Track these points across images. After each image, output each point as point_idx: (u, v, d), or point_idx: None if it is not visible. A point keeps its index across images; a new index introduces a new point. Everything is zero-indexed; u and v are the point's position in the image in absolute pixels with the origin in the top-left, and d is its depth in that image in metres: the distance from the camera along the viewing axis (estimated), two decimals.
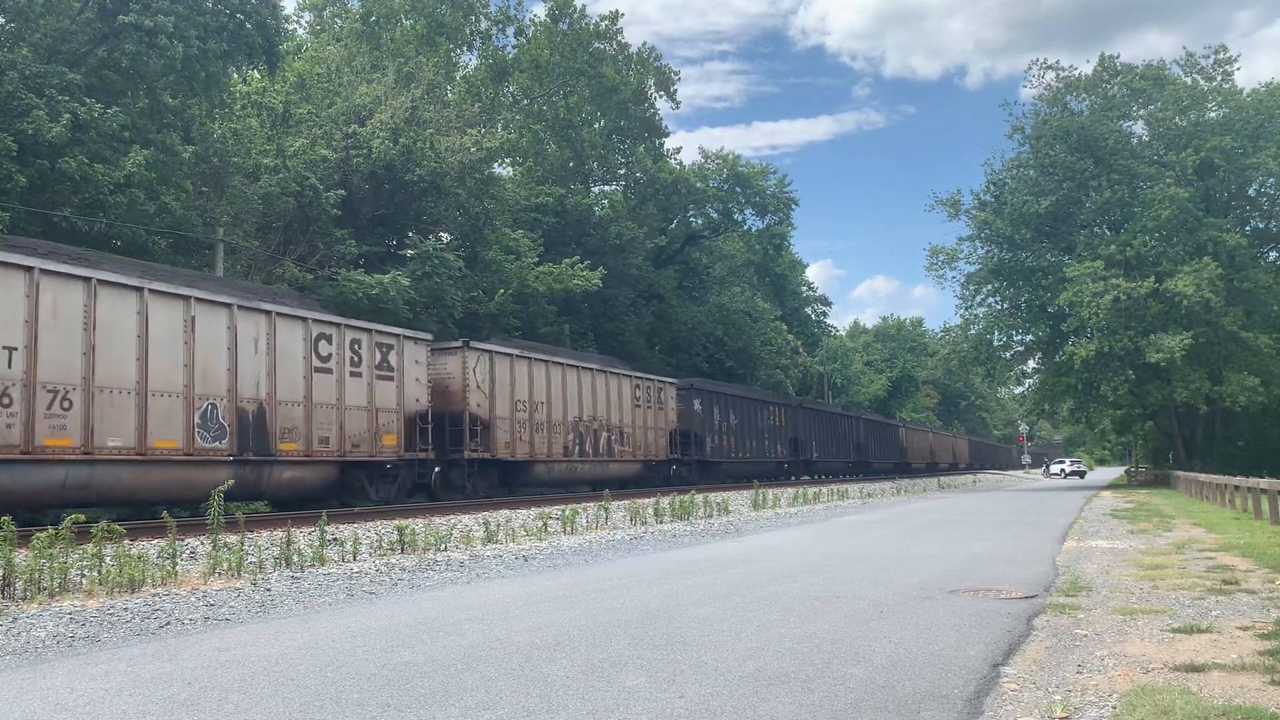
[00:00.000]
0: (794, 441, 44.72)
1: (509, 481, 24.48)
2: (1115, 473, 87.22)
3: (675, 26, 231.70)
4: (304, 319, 18.24)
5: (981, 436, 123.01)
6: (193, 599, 8.68)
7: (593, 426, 27.73)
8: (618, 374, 30.01)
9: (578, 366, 27.62)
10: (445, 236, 36.05)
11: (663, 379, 33.06)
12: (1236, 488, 23.35)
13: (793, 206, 69.16)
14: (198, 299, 16.20)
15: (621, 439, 29.38)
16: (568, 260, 40.53)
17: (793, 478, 42.22)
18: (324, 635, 7.12)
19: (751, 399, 40.29)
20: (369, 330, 19.84)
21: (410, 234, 33.67)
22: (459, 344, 22.93)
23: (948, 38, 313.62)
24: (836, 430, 52.58)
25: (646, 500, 21.16)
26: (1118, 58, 45.69)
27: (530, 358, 25.16)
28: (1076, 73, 45.37)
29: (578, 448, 26.90)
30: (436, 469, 21.83)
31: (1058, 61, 70.85)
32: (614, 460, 28.99)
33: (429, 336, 22.52)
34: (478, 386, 22.72)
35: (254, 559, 10.80)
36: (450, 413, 22.12)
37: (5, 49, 24.12)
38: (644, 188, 56.65)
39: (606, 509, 18.26)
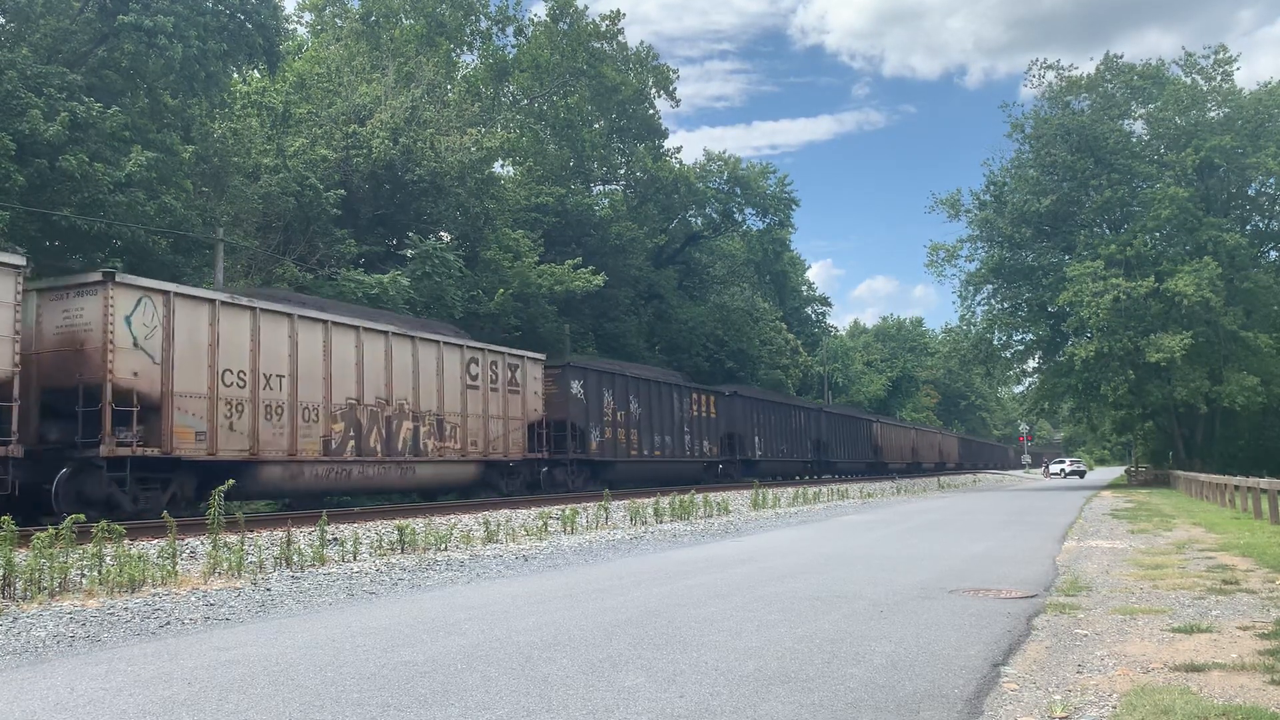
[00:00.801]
0: (729, 437, 38.39)
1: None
2: (1115, 472, 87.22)
3: (676, 26, 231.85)
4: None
5: (976, 435, 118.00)
6: (193, 599, 8.68)
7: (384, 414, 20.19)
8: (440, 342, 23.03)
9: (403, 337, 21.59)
10: (445, 236, 36.06)
11: (518, 353, 25.10)
12: (1236, 488, 23.35)
13: (793, 207, 69.21)
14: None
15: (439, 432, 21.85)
16: (570, 261, 40.55)
17: (730, 478, 36.93)
18: (324, 635, 7.13)
19: (662, 382, 33.35)
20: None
21: (410, 234, 33.68)
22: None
23: (948, 36, 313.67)
24: (789, 424, 45.39)
25: (647, 500, 21.16)
26: (1121, 57, 45.73)
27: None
28: (1077, 72, 45.46)
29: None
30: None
31: (1058, 61, 70.91)
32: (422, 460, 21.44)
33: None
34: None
35: (254, 559, 10.80)
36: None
37: (5, 49, 24.11)
38: (644, 188, 56.66)
39: (606, 509, 18.26)
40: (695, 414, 34.98)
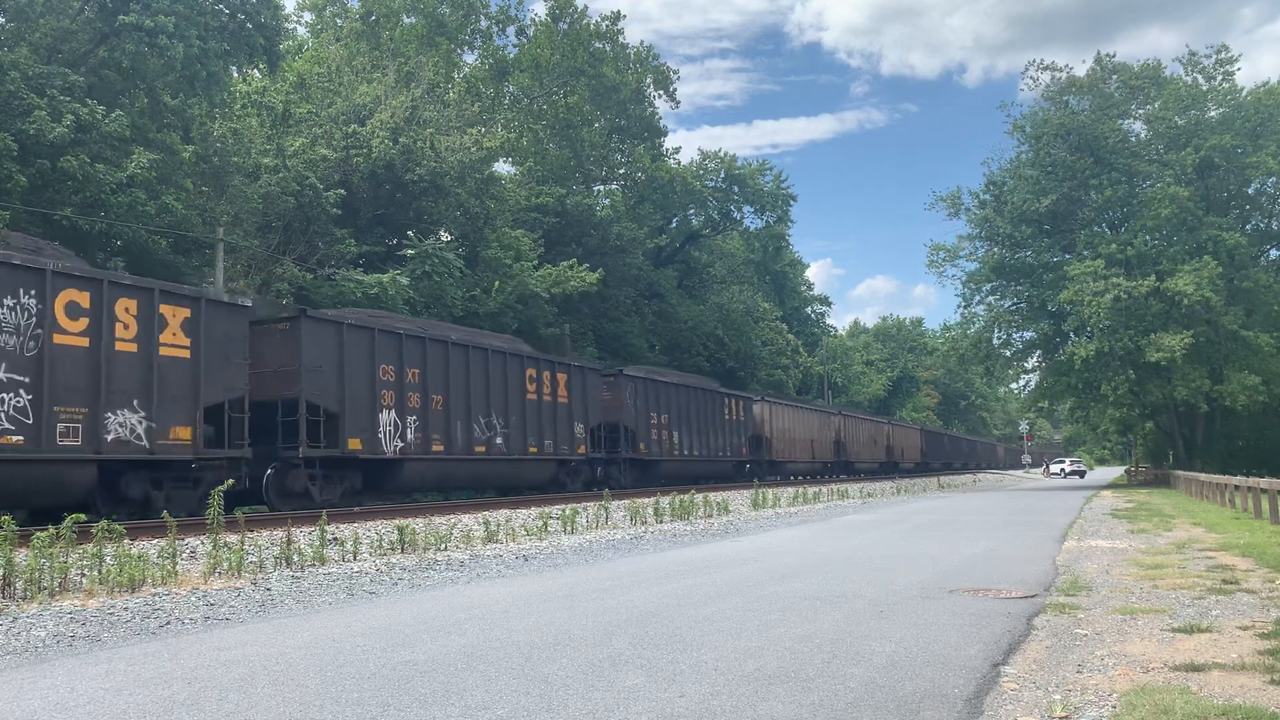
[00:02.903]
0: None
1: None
2: (1115, 472, 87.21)
3: (675, 24, 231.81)
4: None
5: (947, 428, 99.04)
6: (193, 598, 8.68)
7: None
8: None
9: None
10: (445, 236, 36.05)
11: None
12: (1236, 487, 23.34)
13: (790, 202, 69.22)
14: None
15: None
16: (565, 263, 40.58)
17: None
18: (324, 635, 7.13)
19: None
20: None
21: (410, 233, 33.68)
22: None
23: (947, 34, 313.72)
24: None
25: (647, 500, 21.17)
26: (1113, 56, 45.75)
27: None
28: (1073, 73, 45.40)
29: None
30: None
31: (1053, 62, 70.87)
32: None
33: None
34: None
35: (254, 559, 10.80)
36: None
37: (5, 49, 24.11)
38: (643, 187, 56.67)
39: (606, 508, 18.24)
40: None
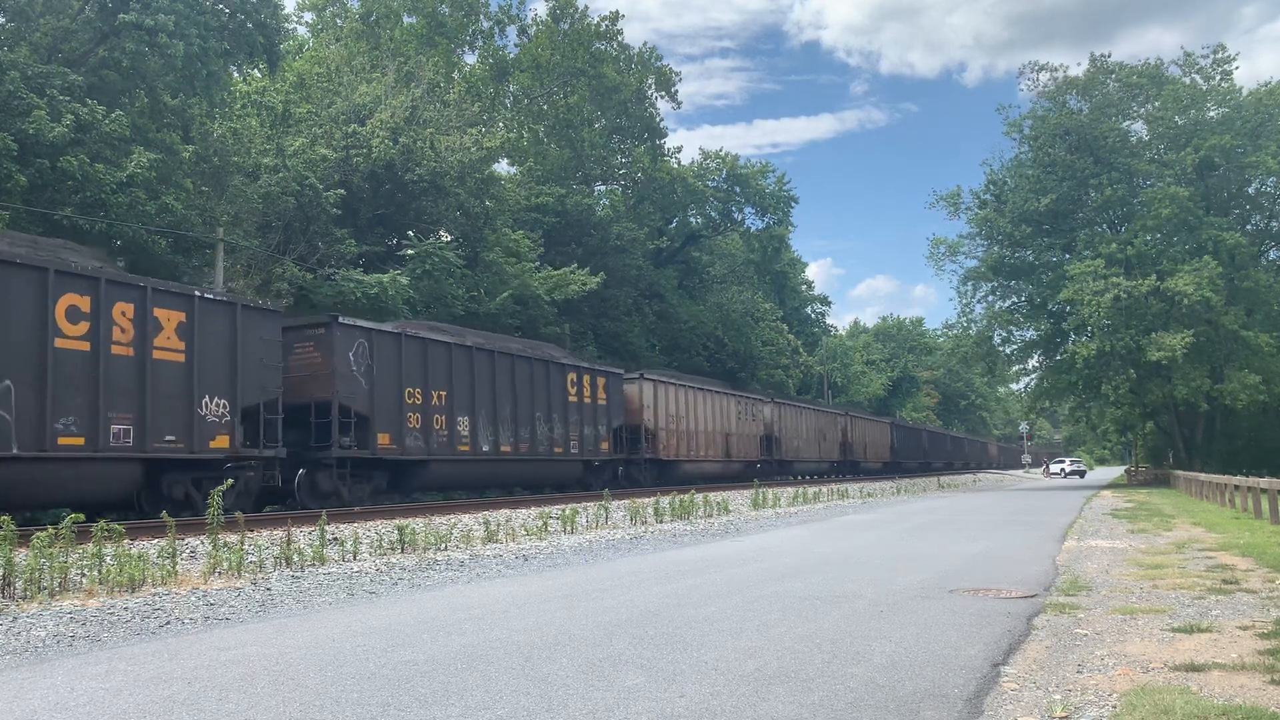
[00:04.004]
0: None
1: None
2: (1115, 472, 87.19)
3: (676, 23, 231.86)
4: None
5: (920, 423, 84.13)
6: (193, 598, 8.68)
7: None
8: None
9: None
10: (445, 236, 36.05)
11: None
12: (1236, 487, 23.34)
13: (792, 205, 69.17)
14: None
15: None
16: (567, 268, 40.62)
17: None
18: (324, 634, 7.12)
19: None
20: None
21: (410, 233, 33.67)
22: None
23: (947, 33, 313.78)
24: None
25: (647, 500, 21.17)
26: (1108, 56, 45.78)
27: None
28: (1070, 74, 45.39)
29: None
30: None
31: (1050, 63, 70.83)
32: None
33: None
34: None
35: (254, 558, 10.80)
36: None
37: (5, 49, 24.11)
38: (643, 188, 56.64)
39: (606, 508, 18.23)
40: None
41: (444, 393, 21.07)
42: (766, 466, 40.07)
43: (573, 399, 26.06)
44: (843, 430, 51.79)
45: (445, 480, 22.16)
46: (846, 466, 51.69)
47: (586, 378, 26.96)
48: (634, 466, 30.02)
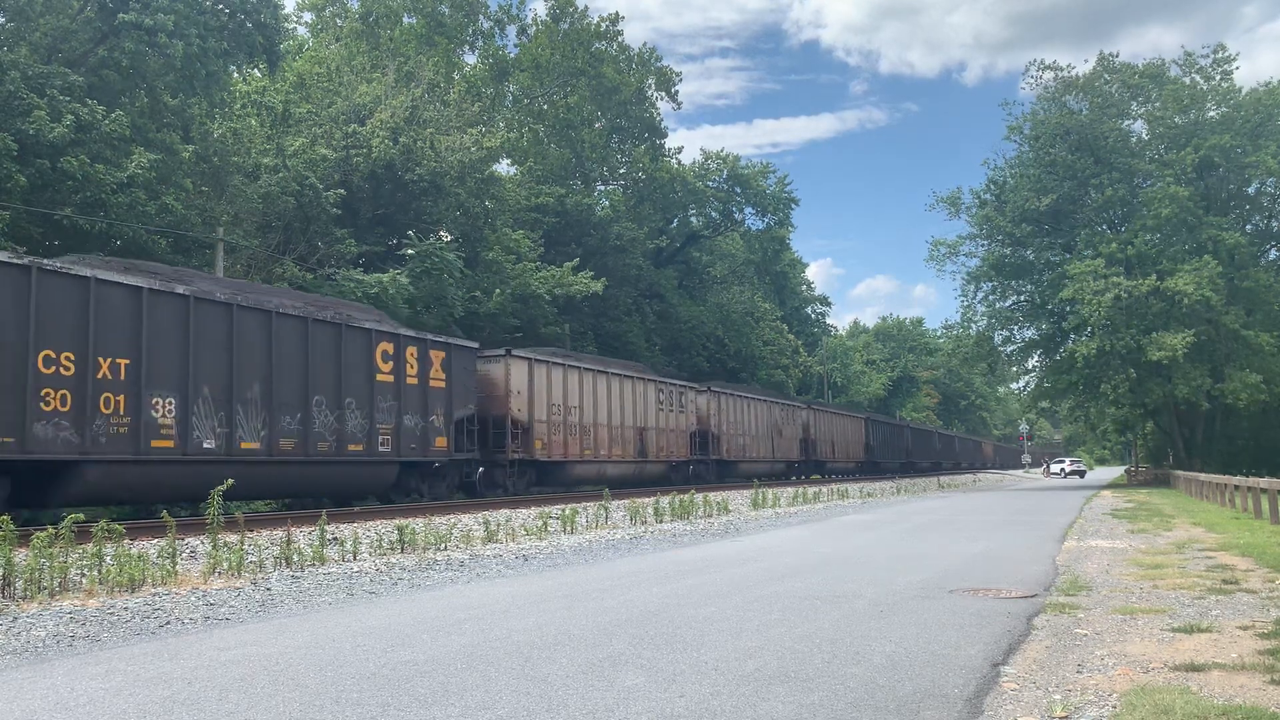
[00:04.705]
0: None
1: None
2: (1115, 472, 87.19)
3: (676, 22, 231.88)
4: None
5: (907, 420, 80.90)
6: (193, 598, 8.68)
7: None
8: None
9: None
10: (445, 236, 36.05)
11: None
12: (1236, 487, 23.33)
13: (792, 206, 69.14)
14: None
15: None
16: (568, 264, 40.53)
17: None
18: (324, 634, 7.12)
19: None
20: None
21: (410, 233, 33.67)
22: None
23: (947, 32, 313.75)
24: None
25: (647, 499, 21.20)
26: (1116, 55, 45.68)
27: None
28: (1075, 72, 45.38)
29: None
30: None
31: (1055, 62, 70.79)
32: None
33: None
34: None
35: (254, 558, 10.80)
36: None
37: (5, 49, 24.10)
38: (643, 188, 56.65)
39: (606, 509, 18.25)
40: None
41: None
42: (701, 468, 35.70)
43: (384, 378, 20.04)
44: (804, 425, 46.15)
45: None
46: (809, 467, 45.84)
47: (412, 350, 20.89)
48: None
